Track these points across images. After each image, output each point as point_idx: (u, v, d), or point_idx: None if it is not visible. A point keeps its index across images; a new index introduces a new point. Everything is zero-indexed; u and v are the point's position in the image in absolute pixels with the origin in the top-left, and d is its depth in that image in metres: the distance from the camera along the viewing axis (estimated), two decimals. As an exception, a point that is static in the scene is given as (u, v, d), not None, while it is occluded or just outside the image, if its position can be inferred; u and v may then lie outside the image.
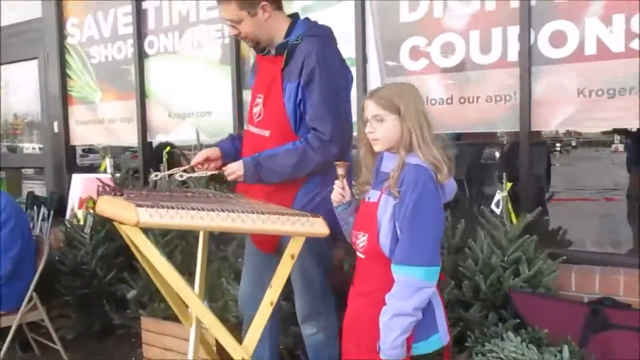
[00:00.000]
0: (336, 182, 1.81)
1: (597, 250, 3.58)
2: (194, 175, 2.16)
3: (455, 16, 3.05)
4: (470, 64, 3.02)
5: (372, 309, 1.67)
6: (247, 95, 3.83)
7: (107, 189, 2.10)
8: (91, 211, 3.69)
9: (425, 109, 1.73)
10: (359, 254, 1.79)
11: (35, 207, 4.60)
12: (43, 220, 4.61)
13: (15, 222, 2.96)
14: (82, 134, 4.78)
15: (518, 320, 2.39)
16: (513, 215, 2.68)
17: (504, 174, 2.68)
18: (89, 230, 3.53)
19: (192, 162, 2.17)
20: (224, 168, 2.08)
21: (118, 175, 3.93)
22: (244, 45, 3.82)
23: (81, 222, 3.58)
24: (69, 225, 3.79)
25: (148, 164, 4.28)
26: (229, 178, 2.07)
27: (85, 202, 3.68)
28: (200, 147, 3.55)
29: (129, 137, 4.46)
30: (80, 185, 4.66)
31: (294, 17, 2.16)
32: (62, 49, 4.75)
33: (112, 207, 1.85)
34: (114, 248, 3.55)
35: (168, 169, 3.86)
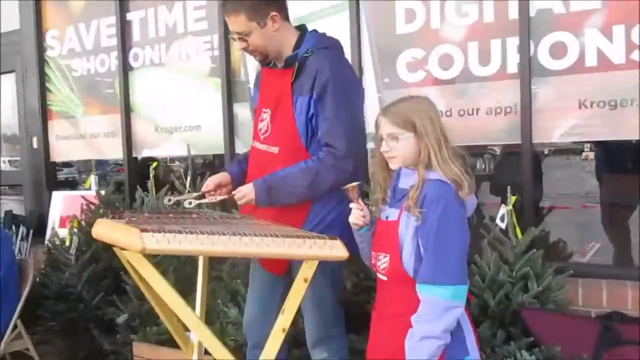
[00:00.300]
0: (353, 204, 1.72)
1: (602, 263, 3.56)
2: (204, 201, 2.05)
3: (453, 27, 3.01)
4: (469, 75, 2.98)
5: (398, 332, 1.59)
6: (238, 108, 3.73)
7: (110, 213, 1.96)
8: (76, 231, 3.54)
9: (442, 124, 1.67)
10: (380, 276, 1.71)
11: (13, 227, 4.41)
12: (22, 240, 4.42)
13: (-1, 246, 2.80)
14: (63, 150, 4.60)
15: (532, 339, 2.33)
16: (518, 229, 2.63)
17: (509, 187, 2.63)
18: (74, 251, 3.37)
19: (203, 189, 2.07)
20: (233, 192, 1.98)
21: (103, 192, 3.78)
22: (234, 58, 3.73)
23: (66, 243, 3.41)
24: (51, 246, 3.62)
25: (134, 180, 4.14)
26: (239, 202, 1.97)
27: (69, 222, 3.51)
28: (192, 162, 3.44)
29: (113, 152, 4.32)
30: (61, 203, 4.48)
31: (302, 29, 2.09)
32: (41, 62, 4.58)
33: (112, 232, 1.73)
34: (101, 269, 3.39)
35: (155, 186, 3.82)
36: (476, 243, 2.71)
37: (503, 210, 2.63)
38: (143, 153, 4.19)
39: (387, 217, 1.70)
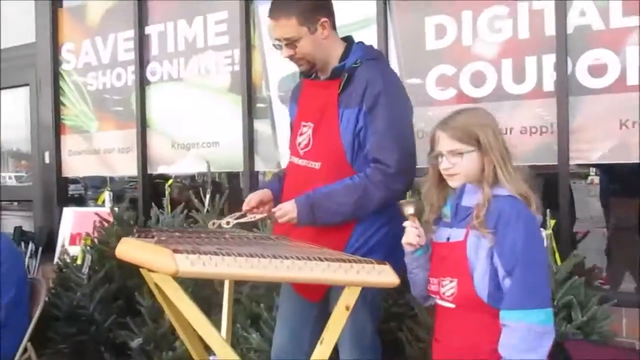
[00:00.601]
0: (407, 223, 1.60)
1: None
2: (244, 220, 1.92)
3: (485, 44, 2.92)
4: (503, 93, 2.87)
5: (470, 364, 1.45)
6: (258, 125, 3.63)
7: (137, 231, 1.84)
8: (89, 248, 3.41)
9: (504, 137, 1.55)
10: (443, 304, 1.56)
11: (22, 244, 4.28)
12: (30, 257, 4.29)
13: (11, 265, 2.66)
14: (75, 165, 4.50)
15: (579, 373, 2.17)
16: (558, 255, 2.50)
17: (547, 210, 2.51)
18: (87, 270, 3.24)
19: (245, 207, 1.94)
20: (273, 210, 1.86)
21: (117, 209, 3.66)
22: (255, 73, 3.64)
23: (78, 261, 3.28)
24: (61, 264, 3.50)
25: (148, 197, 4.02)
26: (280, 221, 1.85)
27: (82, 239, 3.39)
28: (213, 180, 3.33)
29: (127, 169, 4.21)
30: (71, 220, 4.36)
31: (348, 39, 2.00)
32: (56, 75, 4.50)
33: (140, 252, 1.60)
34: (114, 290, 3.26)
35: (170, 203, 3.70)
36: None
37: (542, 233, 2.51)
38: (158, 170, 4.08)
39: (448, 239, 1.57)
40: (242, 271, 1.42)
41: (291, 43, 1.89)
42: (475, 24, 2.93)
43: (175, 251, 1.43)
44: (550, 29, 2.76)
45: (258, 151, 3.63)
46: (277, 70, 3.55)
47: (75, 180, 5.30)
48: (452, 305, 1.54)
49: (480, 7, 2.91)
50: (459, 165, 1.53)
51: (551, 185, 2.90)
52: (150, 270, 1.59)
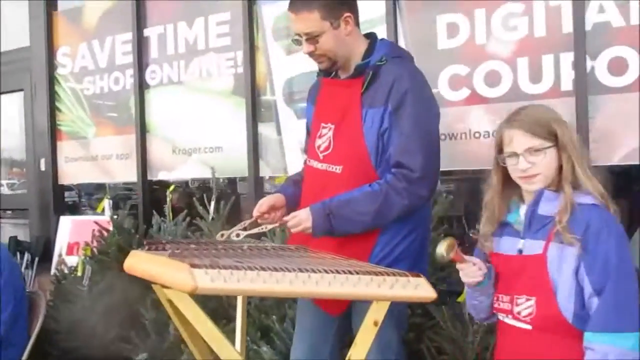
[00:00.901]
0: (459, 266, 1.46)
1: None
2: (254, 232, 1.79)
3: (500, 42, 2.82)
4: (520, 93, 2.78)
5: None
6: (263, 128, 3.52)
7: (146, 243, 1.72)
8: (88, 259, 3.29)
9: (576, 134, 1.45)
10: (516, 324, 1.42)
11: (18, 254, 4.14)
12: (26, 268, 4.15)
13: (9, 278, 2.53)
14: (72, 172, 4.36)
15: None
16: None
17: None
18: (87, 281, 3.11)
19: (256, 212, 1.82)
20: (285, 218, 1.74)
21: (117, 217, 3.54)
22: (259, 75, 3.53)
23: (78, 273, 3.15)
24: (59, 275, 3.37)
25: (149, 205, 3.90)
26: (293, 230, 1.73)
27: (82, 249, 3.26)
28: (216, 185, 3.21)
29: (127, 175, 4.08)
30: (69, 229, 4.22)
31: (371, 36, 1.90)
32: (51, 80, 4.37)
33: (152, 266, 1.48)
34: (116, 302, 3.12)
35: (172, 211, 3.58)
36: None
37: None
38: (159, 176, 3.96)
39: (520, 251, 1.43)
40: (267, 287, 1.30)
41: (312, 38, 1.78)
42: (489, 22, 2.84)
43: (193, 266, 1.32)
44: (568, 26, 2.67)
45: (263, 156, 3.52)
46: (282, 71, 3.45)
47: (68, 188, 5.17)
48: (528, 327, 1.40)
49: (494, 5, 2.82)
50: (539, 164, 1.39)
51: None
52: (163, 286, 1.47)
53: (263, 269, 1.34)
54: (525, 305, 1.39)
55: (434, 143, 1.76)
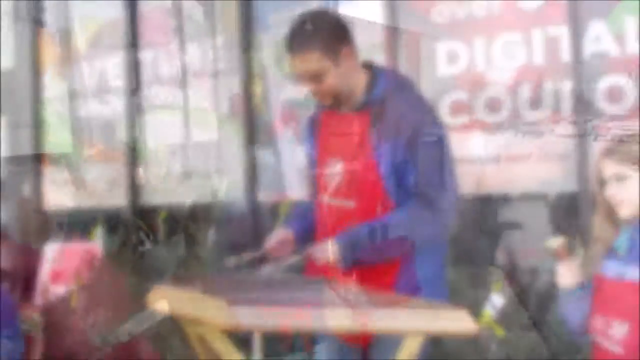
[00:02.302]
0: (562, 264, 1.48)
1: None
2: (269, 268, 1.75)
3: (500, 69, 2.88)
4: (519, 119, 2.83)
5: None
6: (261, 152, 3.49)
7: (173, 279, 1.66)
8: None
9: None
10: (609, 346, 1.43)
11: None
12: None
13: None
14: (58, 198, 4.24)
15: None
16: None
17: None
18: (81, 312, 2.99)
19: (268, 247, 1.78)
20: (310, 251, 1.71)
21: (106, 244, 3.44)
22: (256, 98, 3.51)
23: (72, 304, 3.03)
24: (47, 306, 3.23)
25: (138, 231, 3.80)
26: (319, 263, 1.70)
27: (75, 278, 3.15)
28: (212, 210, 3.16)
29: (116, 200, 3.98)
30: (53, 256, 4.08)
31: (370, 66, 1.85)
32: (36, 103, 4.26)
33: (185, 304, 1.43)
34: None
35: (165, 236, 3.51)
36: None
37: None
38: (151, 201, 3.88)
39: (620, 276, 1.44)
40: (313, 324, 1.27)
41: (316, 77, 1.74)
42: (488, 50, 2.90)
43: (231, 302, 1.28)
44: (565, 55, 2.75)
45: (260, 180, 3.48)
46: (279, 94, 3.44)
47: (54, 213, 5.03)
48: (620, 350, 1.41)
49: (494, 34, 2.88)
50: (623, 190, 1.42)
51: (572, 212, 2.86)
52: (196, 323, 1.42)
53: (304, 303, 1.31)
54: (619, 330, 1.40)
55: (452, 172, 1.76)
